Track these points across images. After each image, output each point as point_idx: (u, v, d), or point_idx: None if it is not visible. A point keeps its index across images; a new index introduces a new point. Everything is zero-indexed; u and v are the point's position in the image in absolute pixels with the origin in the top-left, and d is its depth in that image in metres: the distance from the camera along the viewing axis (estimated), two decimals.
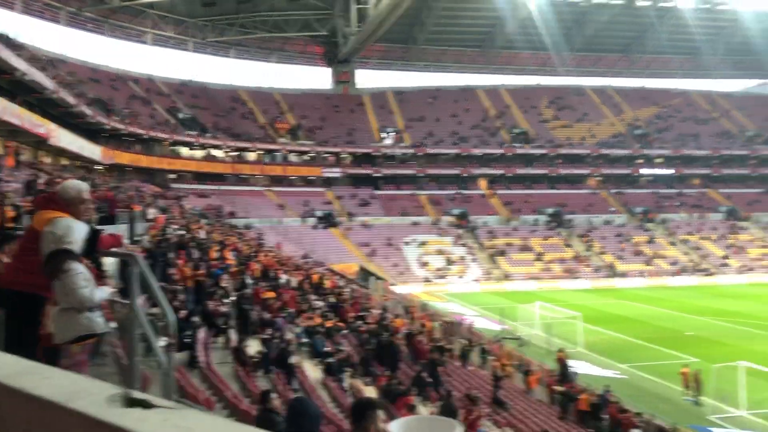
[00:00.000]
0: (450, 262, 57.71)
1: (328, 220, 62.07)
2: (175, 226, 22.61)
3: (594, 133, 76.72)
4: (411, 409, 11.77)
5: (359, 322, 20.74)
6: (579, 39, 76.68)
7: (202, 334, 13.06)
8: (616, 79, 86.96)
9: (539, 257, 59.66)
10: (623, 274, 57.35)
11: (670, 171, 75.09)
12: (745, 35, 75.06)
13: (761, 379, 22.18)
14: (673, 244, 63.44)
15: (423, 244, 60.04)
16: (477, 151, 72.51)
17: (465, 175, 71.64)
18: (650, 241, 63.27)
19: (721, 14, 71.53)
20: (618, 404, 18.16)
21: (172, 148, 60.83)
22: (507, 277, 56.62)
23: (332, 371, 14.73)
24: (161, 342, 3.64)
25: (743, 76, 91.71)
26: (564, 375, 21.87)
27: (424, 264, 57.31)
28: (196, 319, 13.02)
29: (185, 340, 11.26)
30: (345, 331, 19.35)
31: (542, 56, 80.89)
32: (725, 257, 61.04)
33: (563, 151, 73.90)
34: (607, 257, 60.42)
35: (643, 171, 75.23)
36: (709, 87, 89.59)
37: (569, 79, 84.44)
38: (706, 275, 57.54)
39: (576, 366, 23.92)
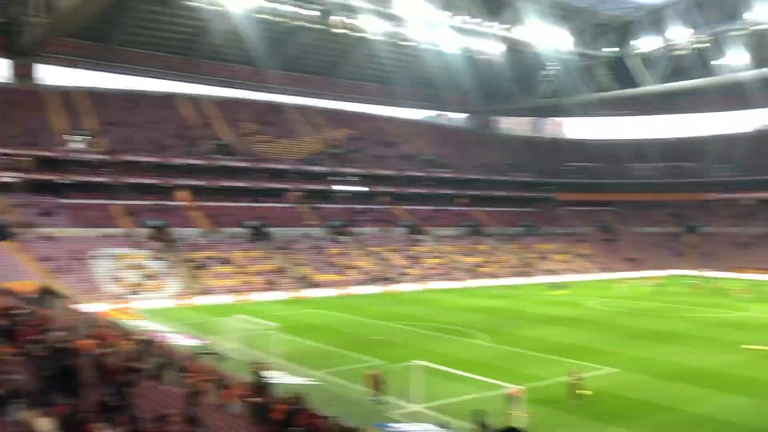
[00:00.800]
0: (147, 276, 54.88)
1: (1, 232, 54.49)
2: None
3: (294, 149, 79.75)
4: None
5: (36, 346, 18.58)
6: (283, 58, 79.00)
7: None
8: (316, 100, 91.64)
9: (240, 270, 59.92)
10: (318, 285, 60.49)
11: (362, 188, 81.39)
12: (425, 70, 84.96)
13: (435, 376, 25.12)
14: (363, 255, 68.79)
15: (116, 257, 56.18)
16: (178, 161, 70.29)
17: (165, 185, 68.83)
18: (343, 253, 67.83)
19: (406, 49, 79.70)
20: (310, 410, 18.99)
21: None
22: (207, 290, 55.76)
23: (1, 404, 12.98)
24: None
25: (424, 107, 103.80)
26: (260, 386, 22.20)
27: (117, 279, 53.65)
28: None
29: None
30: (18, 358, 17.19)
31: (247, 71, 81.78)
32: (406, 267, 68.12)
33: (265, 165, 75.49)
34: (304, 269, 63.11)
35: (338, 188, 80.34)
36: (396, 114, 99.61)
37: (273, 96, 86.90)
38: (390, 283, 63.59)
39: (273, 376, 24.49)
